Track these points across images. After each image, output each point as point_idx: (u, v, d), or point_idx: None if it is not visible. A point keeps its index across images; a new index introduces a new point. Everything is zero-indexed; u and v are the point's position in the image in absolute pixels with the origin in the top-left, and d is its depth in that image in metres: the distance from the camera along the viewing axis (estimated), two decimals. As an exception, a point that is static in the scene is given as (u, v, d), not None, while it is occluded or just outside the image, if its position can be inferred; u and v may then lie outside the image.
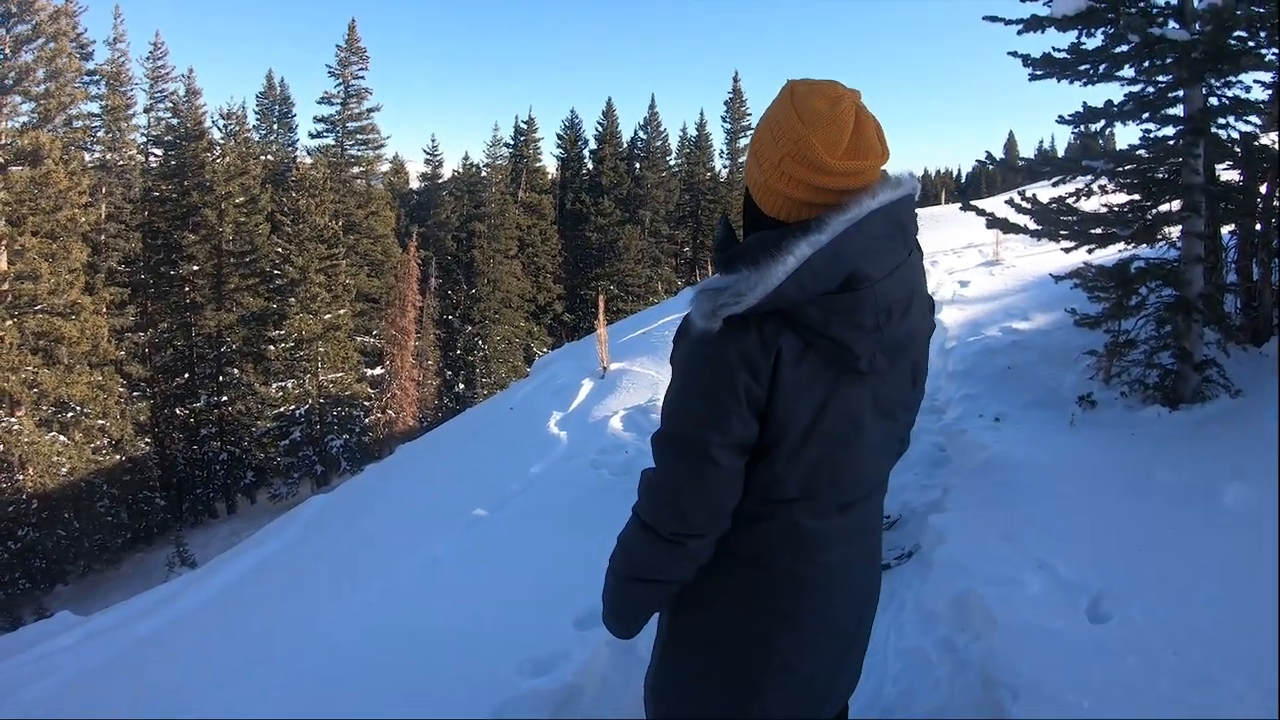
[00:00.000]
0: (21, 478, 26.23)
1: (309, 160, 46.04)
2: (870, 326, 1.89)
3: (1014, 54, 7.40)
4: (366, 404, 39.18)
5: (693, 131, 62.68)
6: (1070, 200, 7.46)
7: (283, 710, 4.57)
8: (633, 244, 55.00)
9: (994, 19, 7.43)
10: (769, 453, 1.94)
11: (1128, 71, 7.06)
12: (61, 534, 26.79)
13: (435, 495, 9.40)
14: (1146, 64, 6.84)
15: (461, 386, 48.88)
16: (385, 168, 54.56)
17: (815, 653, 2.16)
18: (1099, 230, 7.22)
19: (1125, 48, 6.83)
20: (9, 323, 26.39)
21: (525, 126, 58.97)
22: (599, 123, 59.68)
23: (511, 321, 50.51)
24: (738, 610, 2.11)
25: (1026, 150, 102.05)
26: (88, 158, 35.08)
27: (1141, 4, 6.89)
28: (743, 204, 2.10)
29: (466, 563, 6.29)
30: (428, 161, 56.67)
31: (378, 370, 42.07)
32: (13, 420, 26.16)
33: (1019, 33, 7.23)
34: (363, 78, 46.27)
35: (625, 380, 11.08)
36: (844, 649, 2.26)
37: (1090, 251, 7.57)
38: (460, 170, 55.98)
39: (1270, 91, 7.23)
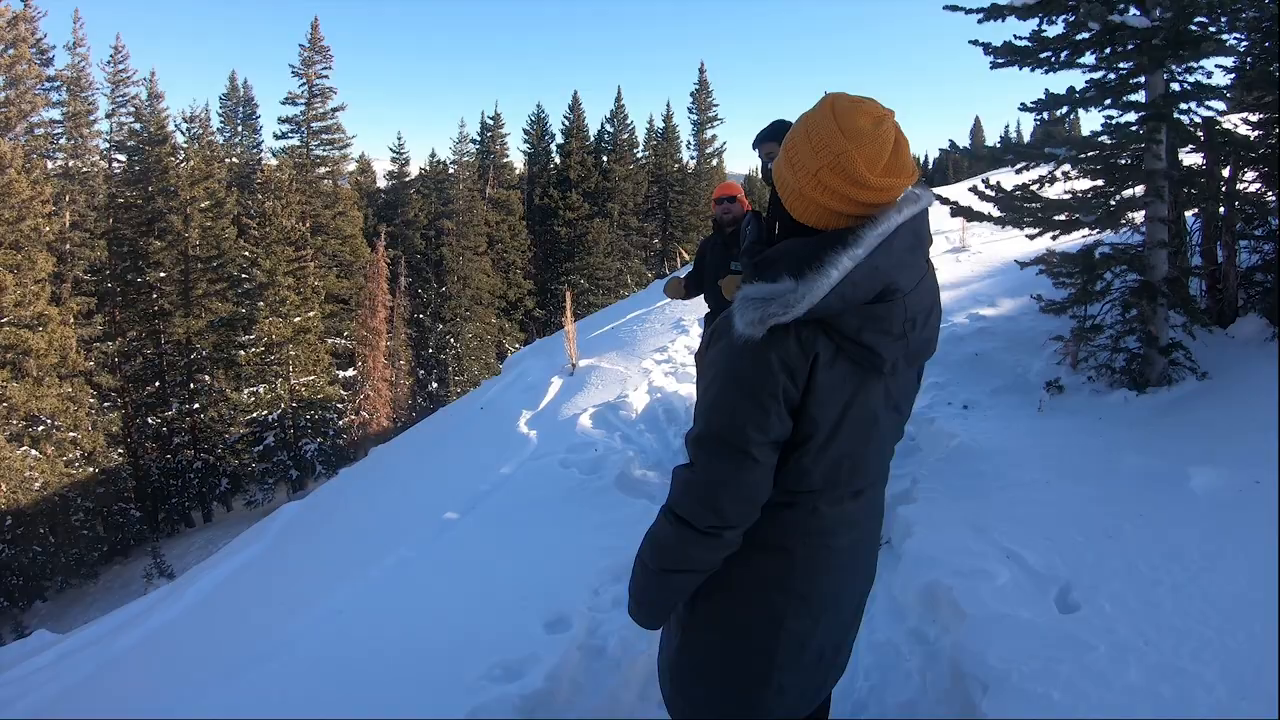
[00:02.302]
0: None
1: (274, 162, 45.68)
2: (898, 334, 2.02)
3: (975, 43, 7.41)
4: (340, 406, 39.08)
5: (660, 123, 62.77)
6: (1034, 187, 7.51)
7: None
8: (602, 237, 55.02)
9: (954, 8, 7.45)
10: (798, 448, 2.05)
11: (1089, 59, 7.13)
12: (37, 550, 26.62)
13: (406, 498, 9.49)
14: (1108, 51, 6.90)
15: (435, 385, 49.14)
16: (351, 167, 54.17)
17: (826, 629, 2.30)
18: (1063, 217, 7.28)
19: (1086, 35, 6.88)
20: None
21: (492, 122, 59.25)
22: (565, 117, 59.69)
23: (483, 319, 50.65)
24: (757, 592, 2.21)
25: (992, 137, 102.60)
26: (50, 165, 35.05)
27: None
28: (769, 204, 2.17)
29: (436, 566, 6.31)
30: (394, 159, 56.48)
31: (350, 372, 41.91)
32: None
33: (979, 21, 7.24)
34: (327, 77, 45.94)
35: (594, 377, 11.08)
36: (848, 625, 2.43)
37: (1055, 238, 7.60)
38: (427, 168, 55.99)
39: (1232, 75, 7.29)
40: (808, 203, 1.98)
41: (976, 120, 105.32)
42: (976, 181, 7.91)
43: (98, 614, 21.21)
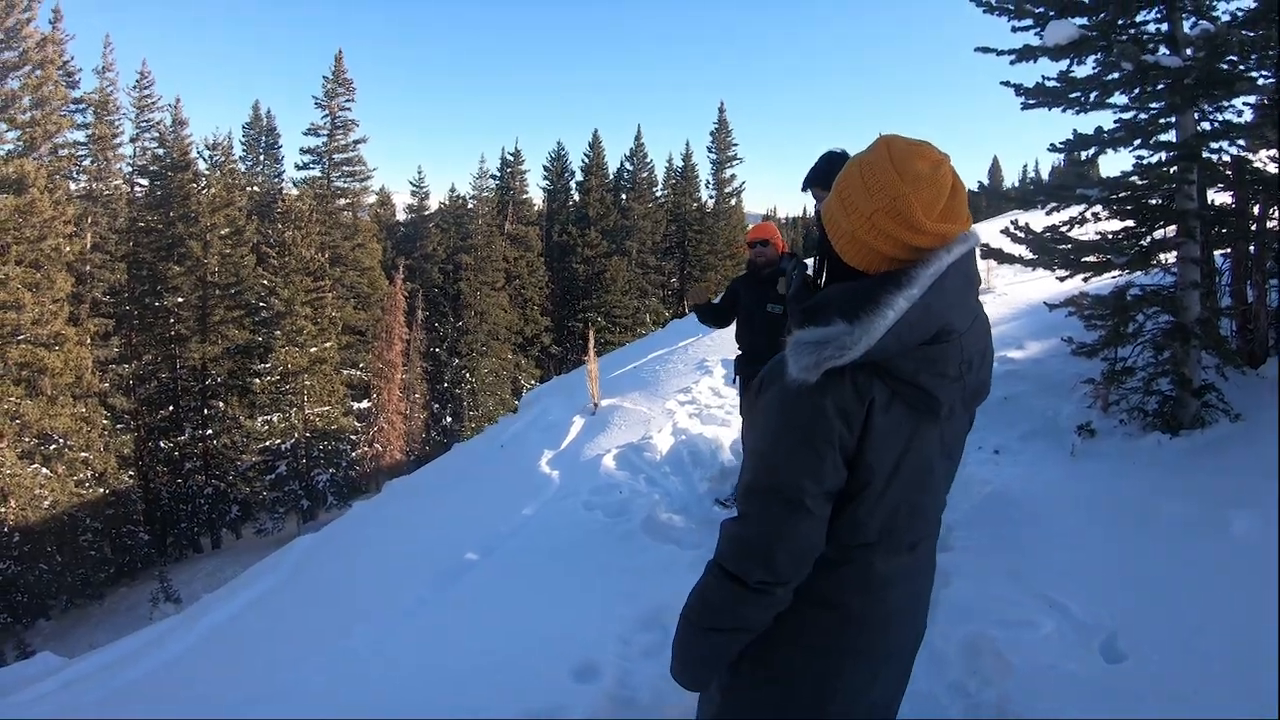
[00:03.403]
0: (3, 510, 25.83)
1: (295, 192, 46.25)
2: (954, 376, 1.97)
3: (1006, 84, 7.38)
4: (353, 438, 39.11)
5: (679, 162, 62.94)
6: (1064, 228, 7.41)
7: None
8: (620, 275, 54.99)
9: (987, 50, 7.37)
10: (853, 498, 1.97)
11: (1119, 99, 7.04)
12: (44, 568, 26.47)
13: (424, 537, 9.16)
14: (1138, 91, 6.84)
15: (449, 419, 49.03)
16: (371, 199, 54.47)
17: (881, 688, 2.22)
18: (1094, 258, 7.18)
19: (1117, 75, 6.80)
20: None
21: (512, 158, 59.19)
22: (585, 154, 59.92)
23: (499, 354, 50.63)
24: (807, 651, 2.12)
25: (1011, 177, 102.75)
26: (73, 187, 34.98)
27: (1132, 31, 6.93)
28: (817, 245, 2.12)
29: (456, 609, 6.13)
30: (414, 193, 56.74)
31: (364, 404, 41.80)
32: None
33: (1011, 63, 7.18)
34: (349, 109, 46.30)
35: (617, 417, 10.82)
36: (902, 679, 2.33)
37: (1086, 279, 7.54)
38: (447, 202, 56.22)
39: (1256, 113, 7.23)
40: (860, 246, 1.92)
41: (995, 160, 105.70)
42: (1006, 222, 7.89)
43: (103, 635, 21.17)
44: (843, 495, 1.96)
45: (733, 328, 7.12)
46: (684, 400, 11.28)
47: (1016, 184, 69.01)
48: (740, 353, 7.03)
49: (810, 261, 2.39)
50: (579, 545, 6.79)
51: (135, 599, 28.72)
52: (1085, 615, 4.23)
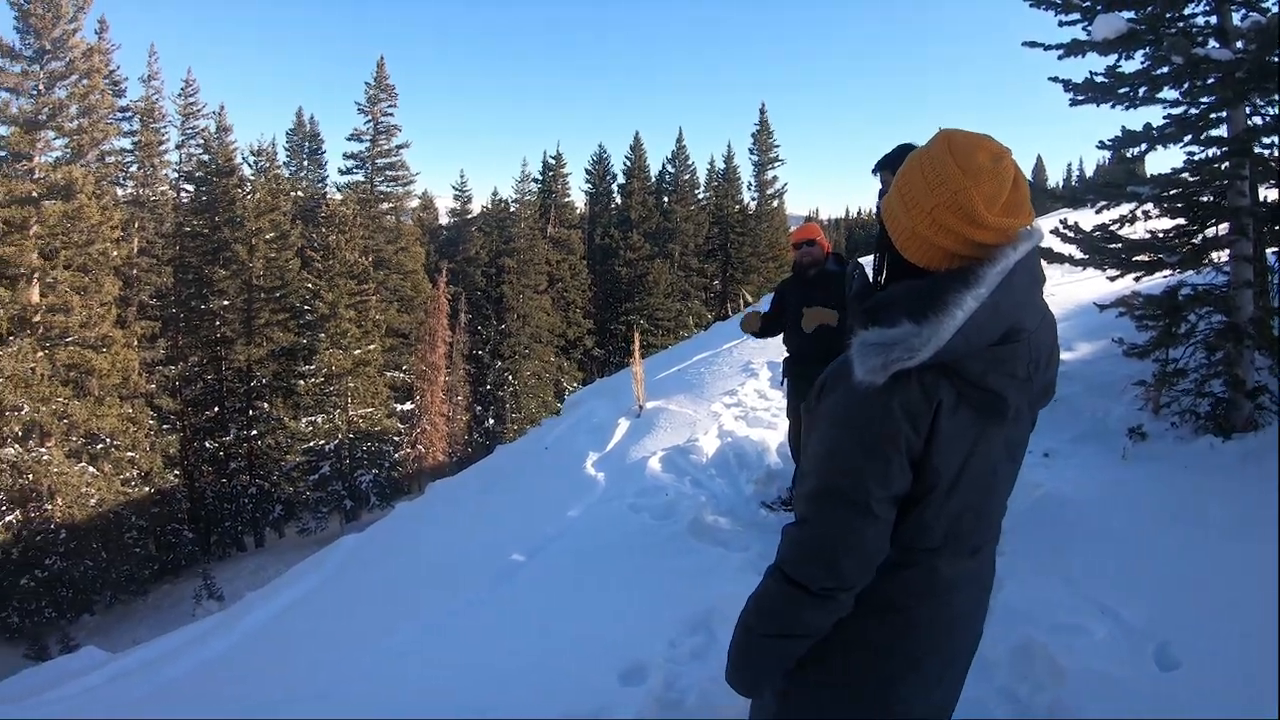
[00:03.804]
0: (50, 508, 26.38)
1: (339, 196, 46.71)
2: (1023, 377, 1.93)
3: (1055, 79, 7.28)
4: (396, 439, 39.36)
5: (720, 164, 62.62)
6: (1114, 227, 7.25)
7: None
8: (662, 278, 54.91)
9: (1034, 45, 7.29)
10: (918, 502, 1.94)
11: (1169, 93, 6.89)
12: (89, 564, 26.89)
13: (469, 538, 9.13)
14: (1187, 85, 6.67)
15: (491, 421, 49.36)
16: (414, 204, 54.88)
17: (943, 695, 2.20)
18: (1145, 257, 7.02)
19: (1166, 69, 6.64)
20: (40, 354, 26.59)
21: (554, 162, 59.40)
22: (627, 157, 59.98)
23: (542, 356, 50.79)
24: (869, 655, 2.09)
25: (1055, 176, 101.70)
26: (120, 193, 35.77)
27: (1181, 24, 6.77)
28: (876, 242, 2.09)
29: (502, 610, 6.10)
30: (457, 197, 57.17)
31: (408, 405, 42.21)
32: (42, 451, 26.22)
33: (1060, 58, 7.09)
34: (392, 115, 46.66)
35: (662, 419, 10.65)
36: (959, 684, 2.29)
37: (1137, 279, 7.38)
38: (489, 206, 56.69)
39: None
40: (921, 242, 1.88)
41: (1039, 159, 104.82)
42: (1054, 222, 7.72)
43: (146, 631, 21.39)
44: (908, 499, 1.93)
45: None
46: (730, 403, 11.15)
47: (1061, 183, 68.28)
48: (787, 355, 6.93)
49: (869, 260, 2.32)
50: (625, 547, 6.75)
51: (179, 596, 29.23)
52: (1137, 621, 4.17)
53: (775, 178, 61.14)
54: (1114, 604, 4.35)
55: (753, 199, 61.79)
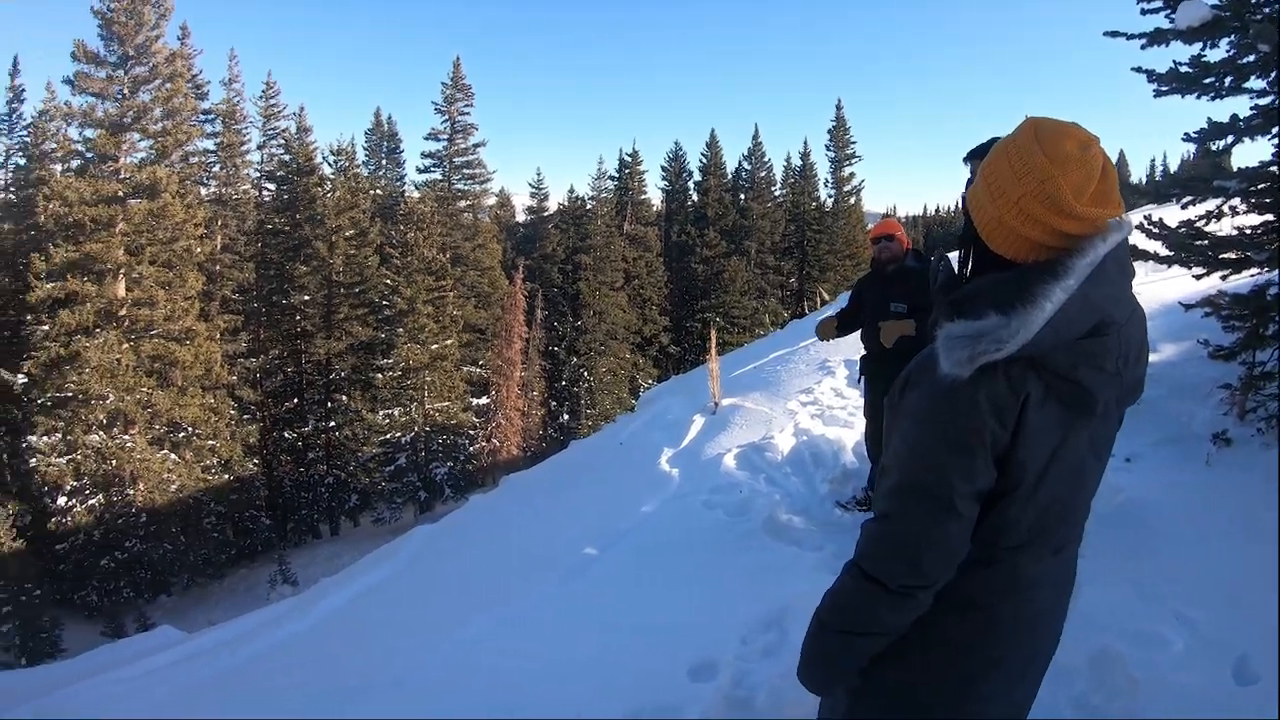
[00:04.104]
0: (132, 492, 27.52)
1: (417, 194, 47.53)
2: (1112, 371, 1.90)
3: (1138, 69, 7.01)
4: (471, 433, 39.81)
5: (797, 161, 62.07)
6: (1199, 223, 6.95)
7: None
8: (739, 275, 54.53)
9: (1116, 34, 7.04)
10: (1003, 498, 1.92)
11: (1255, 83, 6.61)
12: (168, 547, 27.93)
13: (542, 531, 9.02)
14: (1275, 74, 6.42)
15: (566, 417, 49.38)
16: (491, 201, 55.13)
17: (1022, 697, 2.19)
18: (1232, 255, 6.70)
19: (1252, 58, 6.44)
20: (126, 346, 27.83)
21: (630, 159, 58.90)
22: (703, 154, 59.38)
23: (617, 353, 50.71)
24: (947, 653, 2.07)
25: (1138, 171, 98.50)
26: (204, 192, 36.85)
27: (1267, 10, 6.39)
28: (963, 234, 2.07)
29: (574, 603, 6.08)
30: (534, 195, 57.32)
31: (483, 400, 42.42)
32: (126, 438, 27.48)
33: (1142, 47, 6.82)
34: (468, 114, 47.13)
35: (738, 417, 10.42)
36: (1035, 687, 2.26)
37: (1224, 278, 7.00)
38: (565, 203, 56.43)
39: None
40: (1007, 232, 1.86)
41: (1120, 154, 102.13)
42: (1140, 218, 7.27)
43: (221, 613, 21.91)
44: (991, 495, 1.91)
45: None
46: (806, 400, 10.89)
47: (1145, 178, 66.32)
48: (865, 353, 6.79)
49: (953, 256, 2.29)
50: (699, 543, 6.66)
51: (254, 580, 29.97)
52: (1216, 633, 4.09)
53: (852, 174, 60.33)
54: (1193, 614, 4.28)
55: (829, 196, 61.16)
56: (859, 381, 7.23)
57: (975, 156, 4.77)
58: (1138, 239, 6.74)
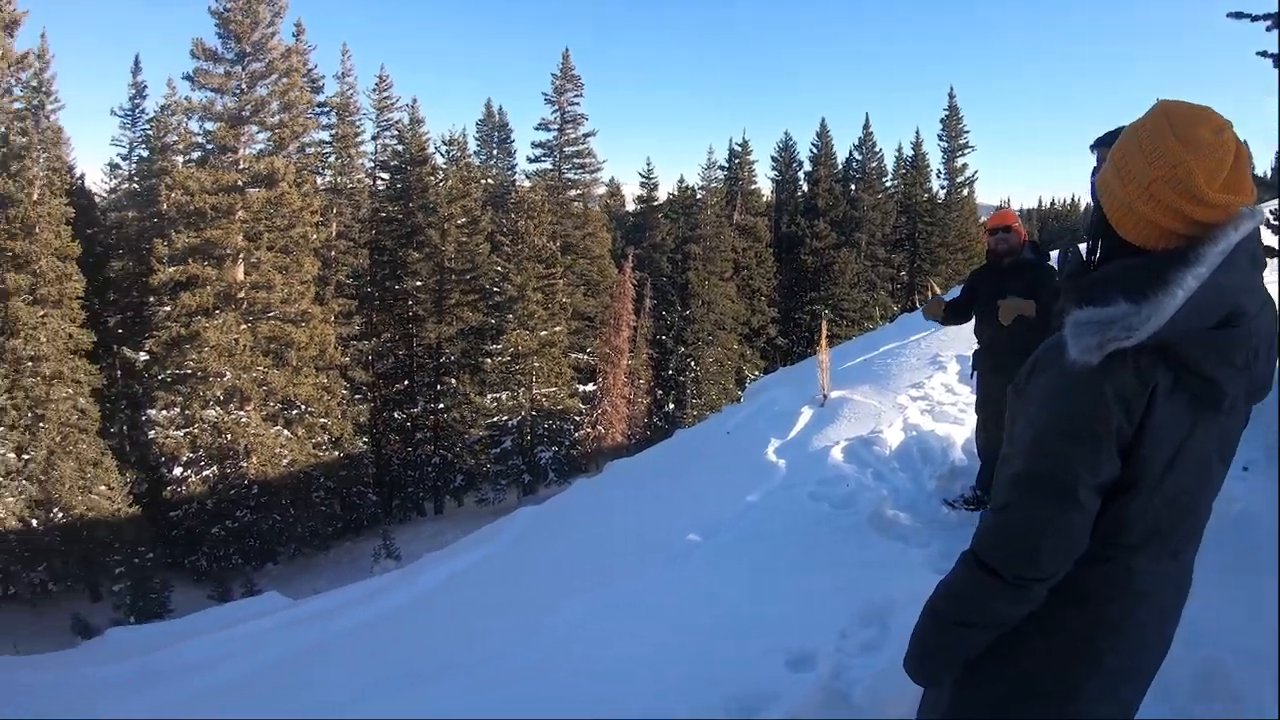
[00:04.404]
0: (245, 465, 29.02)
1: (527, 184, 47.86)
2: (1241, 365, 1.85)
3: (1263, 54, 6.74)
4: (577, 419, 40.18)
5: (908, 151, 60.21)
6: None
7: None
8: (848, 267, 53.77)
9: (1240, 15, 6.71)
10: (1124, 493, 1.90)
11: None
12: (277, 518, 29.40)
13: (646, 517, 9.05)
14: None
15: (671, 406, 49.19)
16: (601, 190, 55.11)
17: (1126, 695, 2.13)
18: None
19: None
20: (244, 327, 29.42)
21: (739, 149, 58.05)
22: (813, 144, 58.10)
23: (725, 344, 50.28)
24: (1057, 650, 2.04)
25: (1262, 163, 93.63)
26: (319, 181, 37.96)
27: None
28: (1092, 221, 2.06)
29: (674, 588, 6.08)
30: (643, 184, 56.38)
31: (590, 387, 42.72)
32: (242, 414, 29.04)
33: (1268, 29, 6.51)
34: (578, 104, 47.38)
35: (847, 409, 10.28)
36: (1142, 693, 2.20)
37: None
38: (675, 193, 56.07)
39: None
40: (1137, 218, 1.85)
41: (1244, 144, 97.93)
42: (1265, 213, 6.93)
43: (325, 583, 22.60)
44: (1113, 489, 1.88)
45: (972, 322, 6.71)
46: (916, 395, 10.72)
47: (1270, 170, 63.24)
48: (978, 347, 6.60)
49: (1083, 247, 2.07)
50: (803, 535, 6.62)
51: (358, 553, 30.89)
52: None
53: (965, 165, 58.81)
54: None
55: (942, 187, 59.85)
56: (971, 377, 7.15)
57: (1104, 144, 4.64)
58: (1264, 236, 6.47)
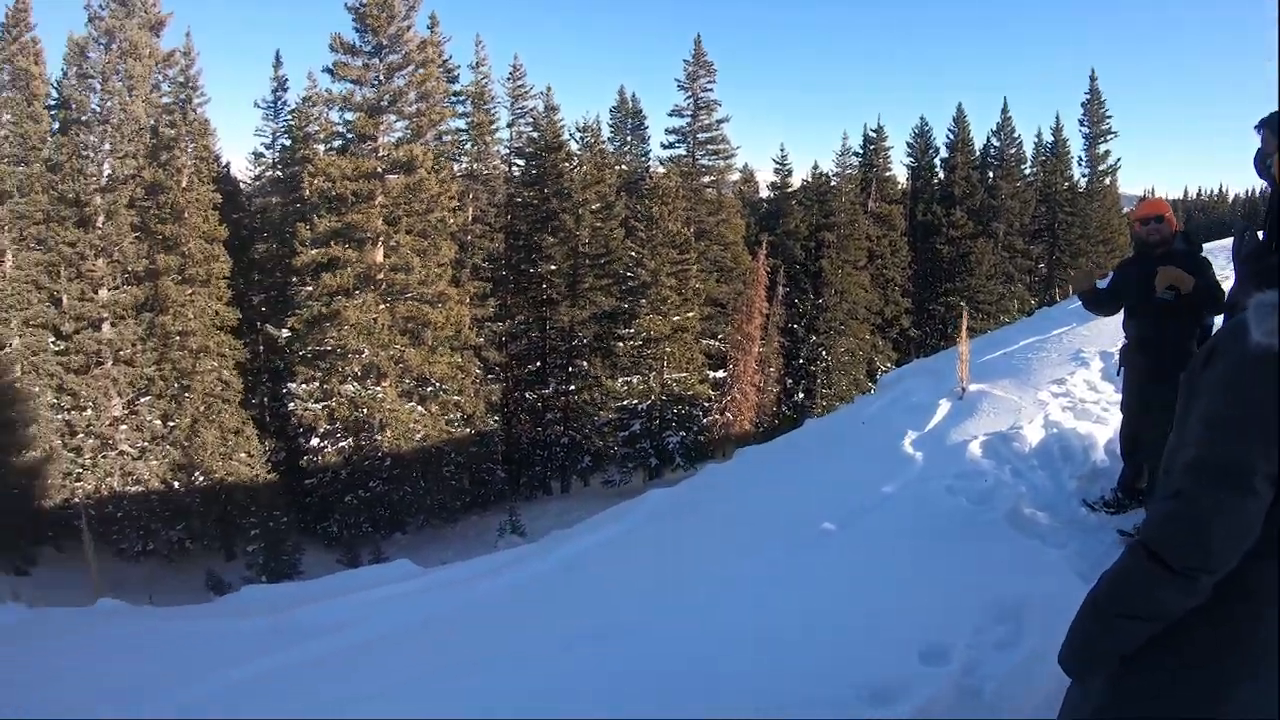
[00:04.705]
0: (379, 438, 30.34)
1: (661, 170, 47.98)
2: None
3: None
4: (706, 404, 40.16)
5: (1048, 137, 58.49)
6: None
7: (597, 698, 4.59)
8: (985, 258, 52.54)
9: None
10: None
11: None
12: (407, 490, 30.60)
13: (778, 503, 8.99)
14: None
15: (801, 395, 48.91)
16: (735, 177, 54.78)
17: (1273, 707, 2.03)
18: None
19: None
20: (383, 307, 30.78)
21: (874, 135, 56.70)
22: (950, 130, 56.89)
23: (857, 334, 49.60)
24: (1215, 646, 1.99)
25: None
26: (456, 167, 39.11)
27: None
28: (1269, 204, 1.97)
29: (807, 575, 6.04)
30: (777, 171, 56.27)
31: (720, 373, 42.61)
32: (378, 389, 30.36)
33: None
34: (710, 90, 47.21)
35: (985, 403, 10.02)
36: None
37: None
38: (809, 179, 55.48)
39: None
40: None
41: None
42: None
43: (451, 555, 22.97)
44: None
45: (1119, 316, 6.50)
46: (1057, 391, 10.32)
47: None
48: (1125, 342, 6.39)
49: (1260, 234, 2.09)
50: (939, 529, 6.55)
51: (484, 527, 31.66)
52: None
53: (1107, 152, 56.71)
54: None
55: (1083, 175, 57.85)
56: (1117, 374, 6.92)
57: (1271, 124, 4.20)
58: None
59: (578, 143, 45.67)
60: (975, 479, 7.56)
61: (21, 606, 11.70)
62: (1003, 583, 5.09)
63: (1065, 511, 6.76)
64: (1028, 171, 58.03)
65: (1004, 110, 57.08)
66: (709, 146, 48.02)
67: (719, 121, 47.72)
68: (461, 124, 40.75)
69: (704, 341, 42.06)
